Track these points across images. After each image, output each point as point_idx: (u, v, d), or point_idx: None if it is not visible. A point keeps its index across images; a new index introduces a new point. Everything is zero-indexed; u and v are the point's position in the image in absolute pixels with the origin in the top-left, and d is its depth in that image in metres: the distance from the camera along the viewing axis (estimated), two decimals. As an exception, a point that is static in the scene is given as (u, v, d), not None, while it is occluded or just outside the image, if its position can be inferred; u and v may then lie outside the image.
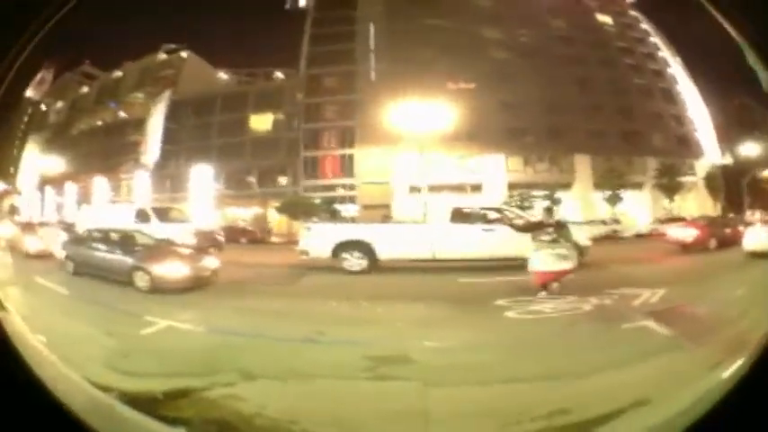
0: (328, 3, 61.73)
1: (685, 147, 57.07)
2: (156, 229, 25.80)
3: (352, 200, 53.46)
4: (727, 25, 3.31)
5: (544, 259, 16.24)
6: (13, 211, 55.77)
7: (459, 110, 43.29)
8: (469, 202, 33.51)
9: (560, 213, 28.26)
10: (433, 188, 42.83)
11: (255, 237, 45.43)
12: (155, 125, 59.88)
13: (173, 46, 64.28)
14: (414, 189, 46.10)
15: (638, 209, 51.68)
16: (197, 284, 19.24)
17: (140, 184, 56.56)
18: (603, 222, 45.00)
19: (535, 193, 48.00)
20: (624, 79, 59.05)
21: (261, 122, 58.74)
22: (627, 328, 12.76)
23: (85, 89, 69.34)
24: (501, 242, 22.99)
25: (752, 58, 3.25)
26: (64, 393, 3.29)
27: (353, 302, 17.01)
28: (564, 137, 53.02)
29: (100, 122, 65.08)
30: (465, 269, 22.27)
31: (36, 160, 62.48)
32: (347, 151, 55.38)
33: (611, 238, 41.16)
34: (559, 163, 54.27)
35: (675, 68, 61.64)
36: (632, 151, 53.95)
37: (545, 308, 15.05)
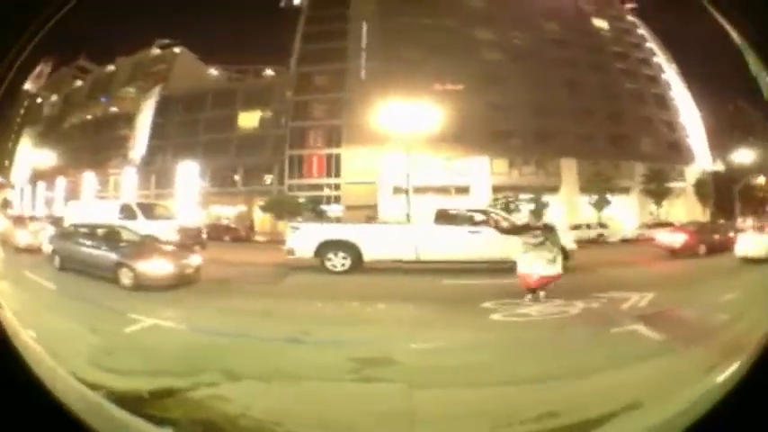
0: (322, 1, 61.62)
1: (676, 152, 57.05)
2: (141, 226, 25.71)
3: (337, 200, 53.36)
4: (727, 27, 3.30)
5: (531, 262, 16.22)
6: (6, 204, 55.51)
7: (446, 111, 43.15)
8: (454, 204, 33.46)
9: (547, 216, 28.20)
10: (418, 189, 42.80)
11: (239, 235, 45.21)
12: (144, 120, 59.70)
13: (166, 41, 64.13)
14: (399, 190, 46.03)
15: (626, 213, 51.72)
16: (180, 282, 19.22)
17: (127, 180, 56.35)
18: (589, 226, 45.06)
19: (522, 196, 48.09)
20: (615, 84, 58.91)
21: (249, 120, 58.58)
22: (616, 331, 12.75)
23: (79, 83, 69.14)
24: (486, 244, 22.97)
25: (752, 60, 3.24)
26: (59, 391, 3.36)
27: (338, 303, 16.97)
28: (551, 140, 52.92)
29: (90, 117, 64.83)
30: (450, 271, 22.26)
31: (29, 154, 62.26)
32: (333, 150, 55.19)
33: (597, 242, 41.19)
34: (546, 166, 54.22)
35: (670, 74, 61.58)
36: (620, 155, 53.89)
37: (532, 311, 15.04)
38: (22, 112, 64.15)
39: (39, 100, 67.40)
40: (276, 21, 69.82)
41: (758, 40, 3.09)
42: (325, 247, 23.90)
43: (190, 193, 51.44)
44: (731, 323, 11.16)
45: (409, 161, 42.10)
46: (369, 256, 23.88)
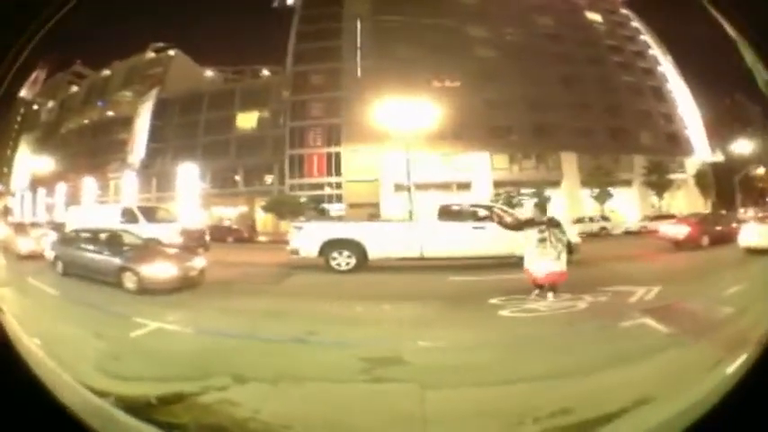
0: (316, 0, 61.62)
1: (675, 144, 57.22)
2: (144, 229, 25.61)
3: (338, 198, 53.40)
4: (725, 24, 3.27)
5: (538, 257, 16.11)
6: (7, 212, 55.56)
7: (444, 108, 43.34)
8: (457, 200, 33.35)
9: (552, 211, 28.42)
10: (419, 186, 42.89)
11: (242, 236, 45.15)
12: (142, 124, 59.80)
13: (161, 44, 64.26)
14: (400, 187, 46.04)
15: (627, 206, 51.78)
16: (185, 285, 19.04)
17: (128, 184, 56.41)
18: (591, 220, 45.09)
19: (523, 190, 48.14)
20: (612, 77, 59.18)
21: (247, 120, 58.74)
22: (625, 325, 12.61)
23: (75, 89, 69.32)
24: (491, 240, 22.84)
25: (750, 57, 3.21)
26: (65, 397, 3.37)
27: (344, 302, 16.80)
28: (550, 134, 53.10)
29: (87, 121, 64.96)
30: (455, 267, 22.12)
31: (28, 161, 62.40)
32: (333, 149, 55.27)
33: (600, 235, 41.19)
34: (546, 161, 54.40)
35: (666, 66, 61.83)
36: (620, 149, 54.10)
37: (540, 306, 14.91)
38: (19, 119, 64.33)
39: (35, 106, 67.67)
40: (270, 21, 70.12)
41: (757, 38, 3.11)
42: (330, 246, 23.76)
43: (191, 194, 51.51)
44: (738, 316, 11.06)
45: (410, 158, 42.08)
46: (373, 254, 23.75)
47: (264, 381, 9.22)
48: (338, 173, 54.70)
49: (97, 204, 50.20)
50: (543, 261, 15.83)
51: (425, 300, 16.30)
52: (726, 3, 3.29)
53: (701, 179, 54.38)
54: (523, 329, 13.15)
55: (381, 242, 23.96)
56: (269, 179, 56.38)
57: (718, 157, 55.33)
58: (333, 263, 23.51)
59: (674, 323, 12.11)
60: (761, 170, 52.61)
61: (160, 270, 19.10)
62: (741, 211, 46.65)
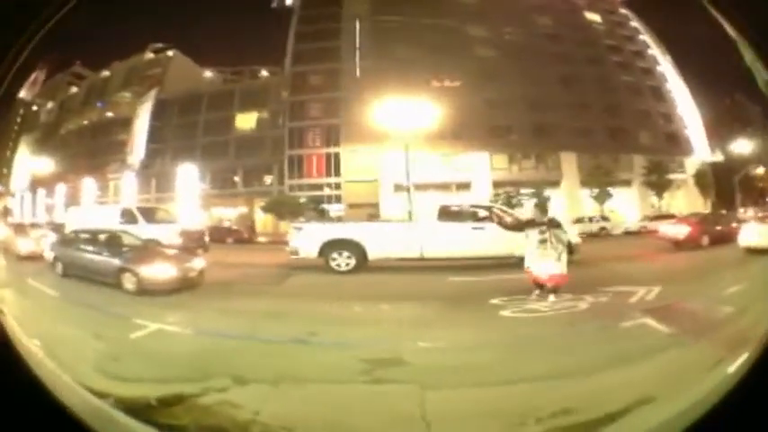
0: (315, 0, 61.61)
1: (674, 144, 57.21)
2: (143, 230, 25.59)
3: (337, 199, 53.39)
4: (725, 24, 3.26)
5: (539, 258, 16.08)
6: (6, 212, 55.55)
7: (443, 108, 43.32)
8: (456, 200, 33.33)
9: (552, 211, 28.16)
10: (418, 186, 42.84)
11: (242, 236, 45.07)
12: (141, 124, 59.79)
13: (160, 45, 64.29)
14: (399, 187, 46.03)
15: (627, 206, 51.78)
16: (184, 286, 19.02)
17: (127, 185, 56.42)
18: (591, 220, 45.09)
19: (523, 190, 48.15)
20: (612, 77, 59.17)
21: (246, 121, 58.75)
22: (626, 326, 12.59)
23: (74, 89, 69.35)
24: (491, 240, 22.85)
25: (749, 57, 3.20)
26: (65, 399, 3.40)
27: (344, 303, 16.78)
28: (550, 135, 53.11)
29: (87, 122, 64.99)
30: (454, 268, 22.12)
31: (27, 161, 62.39)
32: (332, 150, 55.25)
33: (600, 235, 41.17)
34: (546, 161, 54.41)
35: (665, 66, 61.81)
36: (619, 149, 54.09)
37: (541, 306, 14.90)
38: (18, 119, 64.30)
39: (35, 107, 67.63)
40: (269, 21, 70.17)
41: (756, 38, 3.10)
42: (330, 247, 23.73)
43: (190, 195, 51.49)
44: (739, 314, 11.06)
45: (409, 158, 42.02)
46: (373, 254, 23.71)
47: (265, 382, 9.19)
48: (337, 173, 54.70)
49: (97, 205, 50.12)
50: (544, 262, 15.81)
51: (426, 300, 16.29)
52: (726, 2, 3.28)
53: (700, 179, 54.39)
54: (524, 330, 13.14)
55: (381, 242, 23.95)
56: (268, 180, 56.39)
57: (718, 157, 55.36)
58: (332, 263, 23.49)
59: (675, 323, 12.11)
60: (761, 170, 52.65)
61: (159, 271, 19.08)
62: (741, 210, 46.64)
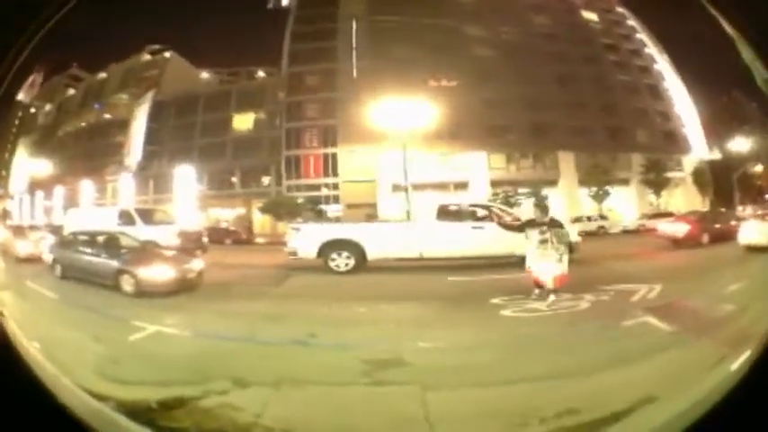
0: (311, 1, 61.60)
1: (672, 142, 57.22)
2: (141, 232, 25.55)
3: (335, 199, 53.38)
4: (723, 22, 3.24)
5: (540, 258, 16.03)
6: (5, 215, 55.55)
7: (441, 107, 43.34)
8: (455, 200, 33.30)
9: (554, 211, 28.20)
10: (416, 186, 42.83)
11: (240, 237, 45.01)
12: (138, 126, 59.83)
13: (156, 47, 64.33)
14: (397, 187, 46.01)
15: (625, 204, 51.78)
16: (183, 287, 18.96)
17: (125, 186, 56.42)
18: (589, 218, 45.07)
19: (521, 190, 48.14)
20: (609, 76, 59.21)
21: (243, 122, 58.80)
22: (627, 324, 12.57)
23: (72, 92, 69.35)
24: (490, 240, 22.79)
25: (748, 55, 3.19)
26: (65, 402, 3.41)
27: (344, 303, 16.76)
28: (547, 134, 53.12)
29: (84, 124, 65.02)
30: (454, 267, 22.10)
31: (26, 164, 62.36)
32: (330, 150, 55.25)
33: (598, 234, 41.13)
34: (543, 160, 54.43)
35: (662, 65, 61.84)
36: (617, 147, 54.09)
37: (541, 306, 14.86)
38: (16, 122, 64.27)
39: (33, 110, 67.56)
40: (265, 22, 70.16)
41: (756, 37, 3.10)
42: (329, 247, 23.69)
43: (188, 196, 51.47)
44: (740, 312, 11.04)
45: (407, 158, 42.00)
46: (372, 255, 23.67)
47: (265, 384, 9.14)
48: (335, 173, 54.70)
49: (95, 207, 50.05)
50: (545, 262, 15.76)
51: (426, 300, 16.27)
52: (725, 1, 3.25)
53: (698, 177, 54.44)
54: (525, 329, 13.10)
55: (380, 243, 23.92)
56: (266, 180, 56.40)
57: (716, 155, 55.37)
58: (332, 264, 23.46)
59: (676, 321, 12.08)
60: (759, 167, 52.67)
61: (158, 272, 19.02)
62: (739, 208, 46.64)
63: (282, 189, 54.51)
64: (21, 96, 53.29)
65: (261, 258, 29.95)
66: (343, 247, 23.67)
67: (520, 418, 7.48)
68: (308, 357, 11.30)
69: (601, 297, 15.47)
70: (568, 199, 50.41)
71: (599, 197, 49.96)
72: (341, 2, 60.88)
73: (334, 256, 23.51)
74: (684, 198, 53.19)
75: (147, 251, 21.93)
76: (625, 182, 52.70)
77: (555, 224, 16.39)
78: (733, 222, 28.24)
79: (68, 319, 15.17)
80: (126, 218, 28.54)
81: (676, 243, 27.63)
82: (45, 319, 13.79)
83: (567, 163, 53.57)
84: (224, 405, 8.07)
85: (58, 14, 3.28)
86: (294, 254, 24.38)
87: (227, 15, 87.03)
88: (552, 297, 15.20)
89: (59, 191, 57.63)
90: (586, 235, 30.16)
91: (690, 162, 55.93)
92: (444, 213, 24.95)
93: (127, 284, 18.73)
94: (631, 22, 65.51)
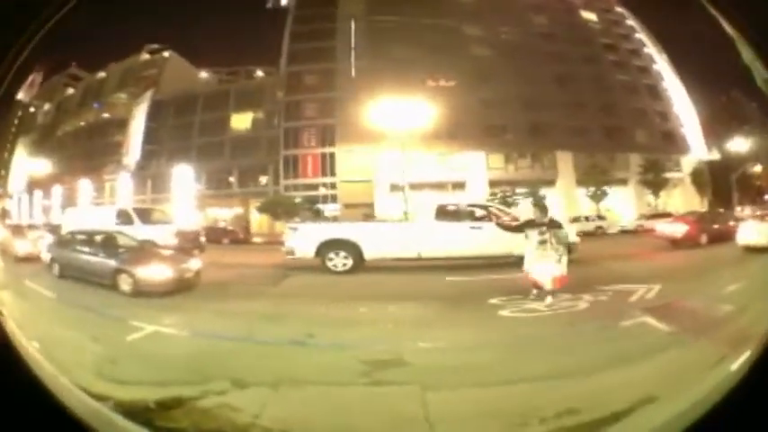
0: (309, 0, 61.58)
1: (671, 143, 57.21)
2: (139, 231, 25.53)
3: (333, 199, 53.35)
4: (723, 23, 3.24)
5: (538, 259, 16.00)
6: (4, 214, 55.49)
7: (439, 107, 43.37)
8: (454, 199, 33.27)
9: (553, 211, 28.07)
10: (414, 186, 42.80)
11: (237, 237, 44.99)
12: (137, 125, 59.79)
13: (155, 46, 64.31)
14: (395, 187, 45.99)
15: (623, 205, 51.80)
16: (181, 287, 18.95)
17: (123, 186, 56.39)
18: (587, 219, 45.07)
19: (519, 190, 48.13)
20: (607, 76, 59.17)
21: (241, 121, 58.75)
22: (626, 325, 12.58)
23: (71, 91, 69.30)
24: (489, 240, 22.71)
25: (748, 56, 3.18)
26: (63, 401, 3.42)
27: (342, 303, 16.76)
28: (545, 134, 53.10)
29: (83, 124, 64.99)
30: (452, 267, 22.09)
31: (24, 163, 62.29)
32: (328, 150, 55.22)
33: (596, 234, 41.12)
34: (542, 160, 54.42)
35: (661, 65, 61.78)
36: (615, 147, 54.05)
37: (540, 306, 14.86)
38: (16, 121, 64.20)
39: (32, 109, 67.47)
40: (264, 21, 70.11)
41: (756, 37, 3.09)
42: (326, 247, 23.67)
43: (186, 196, 51.36)
44: (739, 312, 11.04)
45: (404, 158, 42.00)
46: (370, 254, 23.66)
47: (264, 384, 9.12)
48: (333, 173, 54.65)
49: (93, 206, 50.02)
50: (544, 263, 15.74)
51: (424, 300, 16.28)
52: (725, 1, 3.25)
53: (697, 177, 54.42)
54: (524, 330, 13.12)
55: (378, 242, 23.91)
56: (264, 180, 56.33)
57: (715, 156, 55.34)
58: (329, 264, 23.45)
59: (675, 322, 12.11)
60: (758, 168, 52.66)
61: (155, 272, 19.02)
62: (738, 209, 46.62)
63: (280, 188, 54.46)
64: (20, 96, 53.29)
65: (258, 258, 29.97)
66: (341, 246, 23.65)
67: (520, 418, 7.48)
68: (306, 357, 11.30)
69: (599, 297, 15.51)
70: (566, 199, 50.41)
71: (597, 197, 49.96)
72: (340, 2, 60.83)
73: (331, 255, 23.50)
74: (683, 198, 53.18)
75: (144, 251, 21.94)
76: (623, 182, 52.71)
77: (554, 225, 16.37)
78: (731, 223, 28.20)
79: (66, 319, 15.16)
80: (124, 217, 28.52)
81: (675, 243, 27.63)
82: (43, 319, 13.76)
83: (565, 163, 53.58)
84: (222, 405, 8.06)
85: (58, 14, 3.28)
86: (291, 253, 24.36)
87: (226, 15, 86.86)
88: (550, 298, 15.19)
89: (58, 190, 57.52)
90: (584, 235, 30.17)
91: (688, 162, 55.90)
92: (442, 213, 24.93)
93: (124, 284, 18.72)
94: (630, 21, 65.44)
